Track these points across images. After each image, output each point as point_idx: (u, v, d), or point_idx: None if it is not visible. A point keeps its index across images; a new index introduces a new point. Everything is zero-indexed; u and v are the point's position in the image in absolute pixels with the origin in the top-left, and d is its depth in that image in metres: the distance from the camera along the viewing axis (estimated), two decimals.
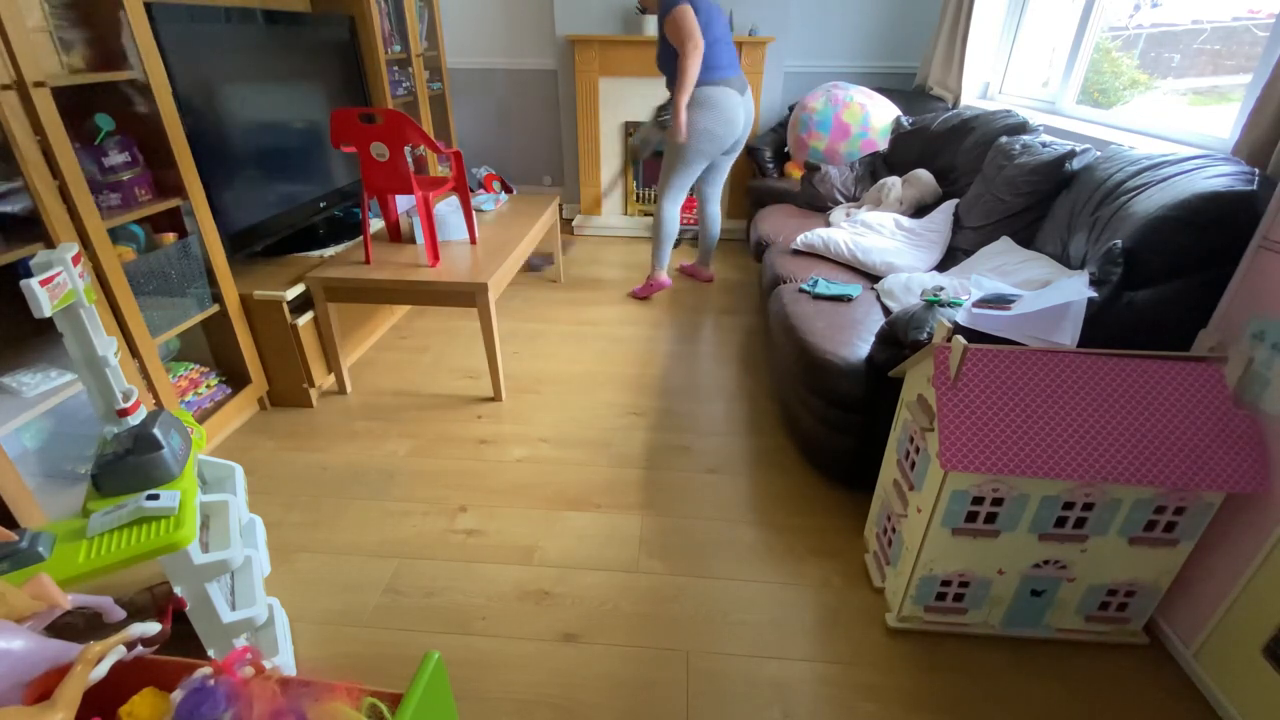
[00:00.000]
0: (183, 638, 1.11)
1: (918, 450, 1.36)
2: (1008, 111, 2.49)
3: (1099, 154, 1.94)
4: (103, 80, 1.60)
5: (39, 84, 1.36)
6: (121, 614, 0.79)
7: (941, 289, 1.86)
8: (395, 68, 3.20)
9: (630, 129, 3.97)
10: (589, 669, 1.36)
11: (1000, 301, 1.48)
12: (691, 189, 3.06)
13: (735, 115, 2.75)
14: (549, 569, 1.60)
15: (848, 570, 1.60)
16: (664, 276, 3.19)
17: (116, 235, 1.67)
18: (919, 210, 2.68)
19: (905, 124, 3.01)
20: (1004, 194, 2.14)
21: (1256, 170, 1.44)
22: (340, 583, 1.56)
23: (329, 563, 1.62)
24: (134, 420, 1.17)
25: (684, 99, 2.63)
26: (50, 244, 1.43)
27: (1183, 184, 1.48)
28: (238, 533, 1.30)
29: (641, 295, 3.21)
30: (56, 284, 1.02)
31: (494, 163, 4.38)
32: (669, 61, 2.67)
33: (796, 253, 2.52)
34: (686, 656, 1.39)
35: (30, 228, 1.43)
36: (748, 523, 1.75)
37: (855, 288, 2.13)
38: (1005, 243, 2.06)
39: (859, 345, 1.75)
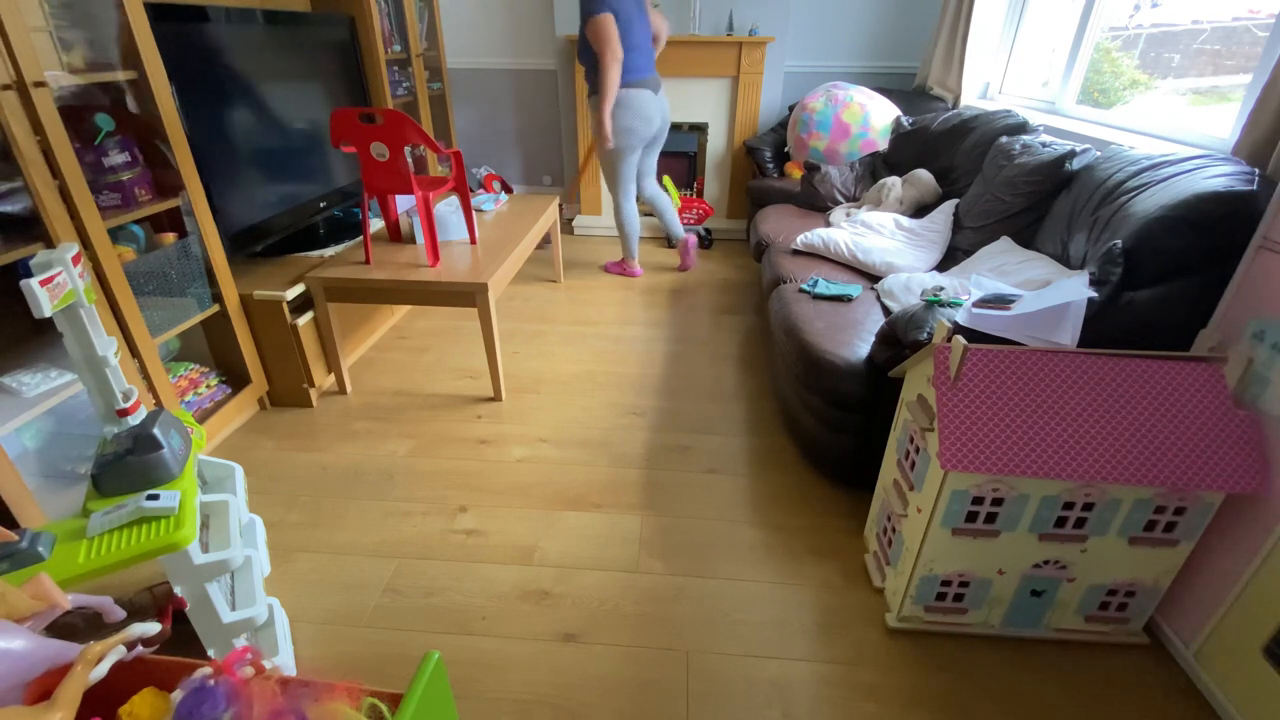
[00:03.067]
0: (183, 638, 1.11)
1: (918, 450, 1.36)
2: (1008, 111, 2.49)
3: (1099, 154, 1.94)
4: (103, 80, 1.60)
5: (39, 84, 1.36)
6: (121, 614, 0.79)
7: (941, 289, 1.86)
8: (395, 68, 3.20)
9: None
10: (589, 669, 1.36)
11: (1000, 301, 1.48)
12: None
13: (651, 113, 2.96)
14: (549, 569, 1.60)
15: (848, 570, 1.60)
16: (636, 268, 3.47)
17: (116, 235, 1.67)
18: (919, 210, 2.68)
19: (905, 124, 3.01)
20: (1004, 194, 2.14)
21: (1256, 170, 1.44)
22: (340, 583, 1.56)
23: (329, 563, 1.62)
24: (134, 420, 1.17)
25: (607, 107, 2.82)
26: (50, 244, 1.43)
27: (1183, 184, 1.48)
28: (238, 533, 1.30)
29: (612, 271, 3.52)
30: (56, 284, 1.02)
31: (494, 163, 4.38)
32: (588, 58, 2.82)
33: (796, 253, 2.52)
34: (686, 656, 1.39)
35: (30, 228, 1.43)
36: (748, 523, 1.75)
37: (855, 288, 2.13)
38: (1005, 243, 2.06)
39: (859, 345, 1.75)
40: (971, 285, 1.76)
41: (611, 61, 2.69)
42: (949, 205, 2.46)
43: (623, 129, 2.93)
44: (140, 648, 0.71)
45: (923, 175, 2.70)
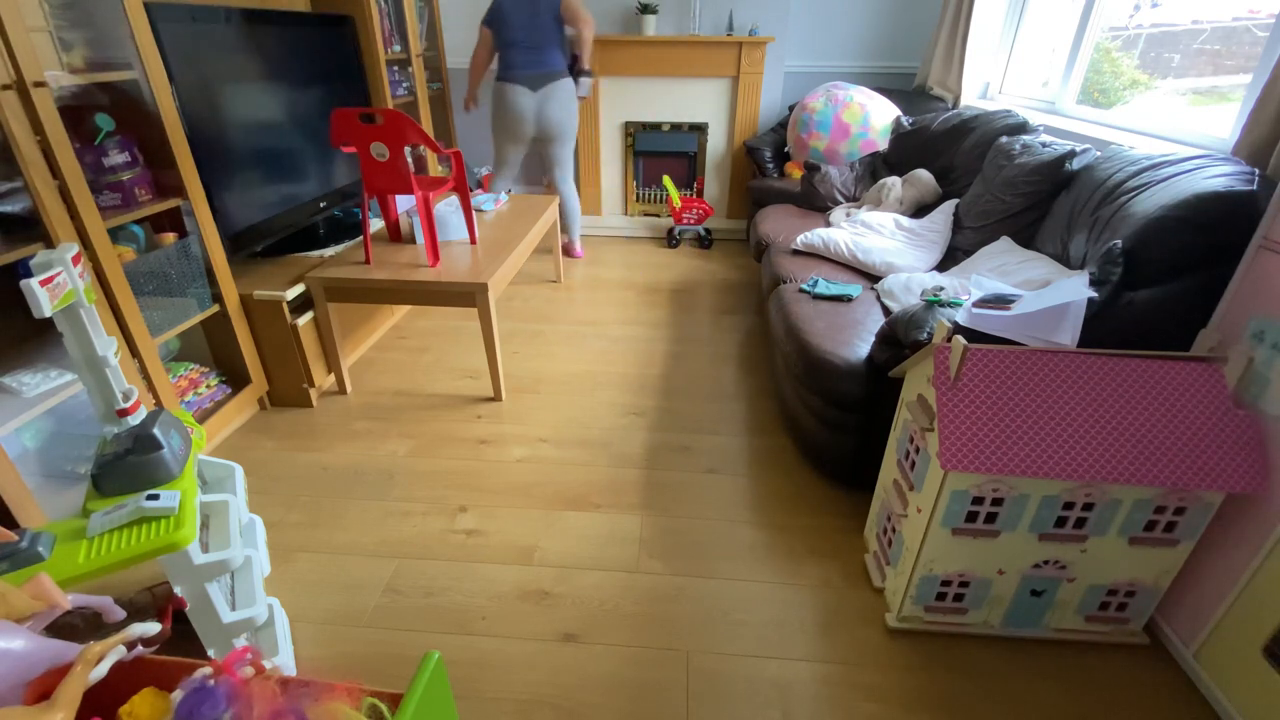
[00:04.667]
0: (183, 638, 1.11)
1: (918, 450, 1.36)
2: (1008, 111, 2.49)
3: (1099, 154, 1.94)
4: (103, 80, 1.60)
5: (39, 84, 1.36)
6: (121, 614, 0.79)
7: (941, 289, 1.86)
8: (395, 68, 3.20)
9: (630, 129, 3.98)
10: (589, 669, 1.36)
11: (1000, 301, 1.48)
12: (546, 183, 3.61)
13: (520, 110, 3.18)
14: (549, 569, 1.60)
15: (848, 570, 1.60)
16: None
17: (116, 235, 1.67)
18: (919, 210, 2.68)
19: (905, 124, 3.01)
20: (1004, 194, 2.14)
21: (1256, 170, 1.44)
22: (340, 583, 1.56)
23: (329, 563, 1.62)
24: (134, 420, 1.17)
25: (469, 93, 3.37)
26: (50, 244, 1.43)
27: (1183, 184, 1.48)
28: (238, 533, 1.30)
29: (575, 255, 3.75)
30: (56, 284, 1.02)
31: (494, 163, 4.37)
32: None
33: (796, 253, 2.52)
34: (686, 656, 1.39)
35: (30, 228, 1.43)
36: (748, 523, 1.75)
37: (855, 288, 2.13)
38: (1005, 243, 2.06)
39: (859, 345, 1.75)
40: (971, 285, 1.76)
41: (472, 60, 3.24)
42: (949, 205, 2.46)
43: (493, 124, 3.29)
44: (140, 648, 0.71)
45: (923, 175, 2.70)
